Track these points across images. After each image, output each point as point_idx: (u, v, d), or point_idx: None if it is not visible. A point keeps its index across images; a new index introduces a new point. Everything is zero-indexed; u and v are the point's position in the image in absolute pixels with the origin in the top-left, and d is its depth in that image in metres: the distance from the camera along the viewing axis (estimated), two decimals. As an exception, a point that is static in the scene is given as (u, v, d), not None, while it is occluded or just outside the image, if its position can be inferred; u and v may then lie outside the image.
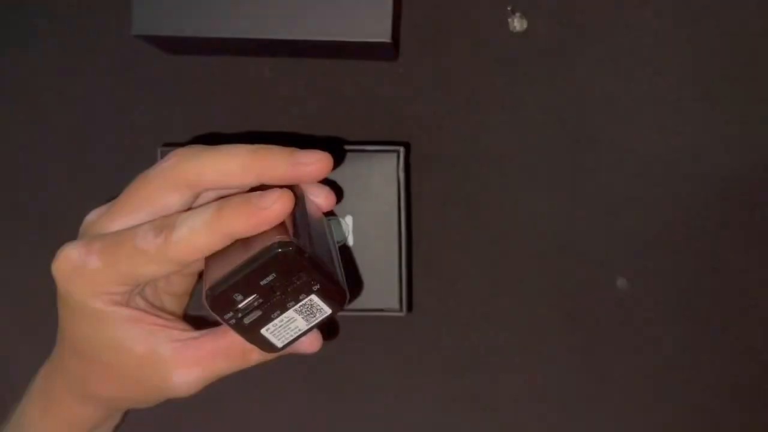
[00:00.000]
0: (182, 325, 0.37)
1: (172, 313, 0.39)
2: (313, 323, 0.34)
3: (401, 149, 0.43)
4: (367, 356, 0.47)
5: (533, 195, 0.47)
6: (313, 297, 0.34)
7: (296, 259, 0.32)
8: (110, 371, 0.36)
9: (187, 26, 0.42)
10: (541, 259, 0.47)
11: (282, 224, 0.33)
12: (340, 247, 0.43)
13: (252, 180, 0.35)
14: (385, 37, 0.41)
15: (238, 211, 0.33)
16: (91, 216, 0.36)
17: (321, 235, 0.36)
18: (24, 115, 0.48)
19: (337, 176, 0.43)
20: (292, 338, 0.35)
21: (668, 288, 0.47)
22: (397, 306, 0.43)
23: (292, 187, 0.35)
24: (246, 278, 0.32)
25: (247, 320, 0.33)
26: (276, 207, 0.32)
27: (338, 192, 0.43)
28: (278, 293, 0.33)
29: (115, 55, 0.47)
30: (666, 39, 0.46)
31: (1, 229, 0.48)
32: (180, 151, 0.35)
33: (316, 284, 0.33)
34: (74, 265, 0.34)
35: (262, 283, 0.32)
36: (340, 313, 0.43)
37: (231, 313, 0.33)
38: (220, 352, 0.36)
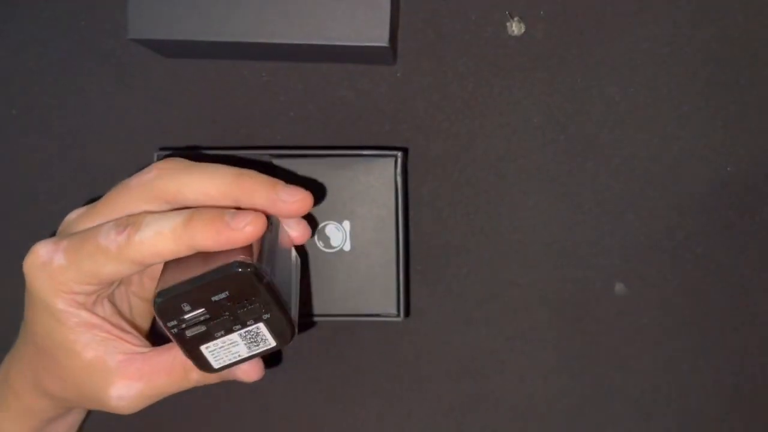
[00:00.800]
0: (139, 340, 0.37)
1: (138, 319, 0.39)
2: (255, 352, 0.34)
3: (399, 154, 0.43)
4: (365, 361, 0.47)
5: (531, 199, 0.47)
6: (261, 326, 0.33)
7: (252, 283, 0.32)
8: (59, 370, 0.36)
9: (183, 30, 0.41)
10: (539, 264, 0.47)
11: (248, 246, 0.33)
12: (336, 252, 0.43)
13: (230, 204, 0.35)
14: (382, 41, 0.41)
15: (207, 226, 0.32)
16: (71, 215, 0.37)
17: (285, 268, 0.36)
18: (19, 119, 0.48)
19: (335, 181, 0.42)
20: (229, 362, 0.34)
21: (666, 293, 0.47)
22: (394, 311, 0.43)
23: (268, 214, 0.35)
24: (198, 290, 0.32)
25: (189, 333, 0.33)
26: (247, 230, 0.32)
27: (327, 195, 0.43)
28: (227, 313, 0.32)
29: (111, 59, 0.47)
30: (664, 43, 0.46)
31: (-5, 234, 0.48)
32: (161, 164, 0.35)
33: (267, 313, 0.33)
34: (42, 261, 0.34)
35: (213, 299, 0.32)
36: (339, 319, 0.43)
37: (175, 322, 0.32)
38: (163, 368, 0.36)
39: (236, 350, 0.34)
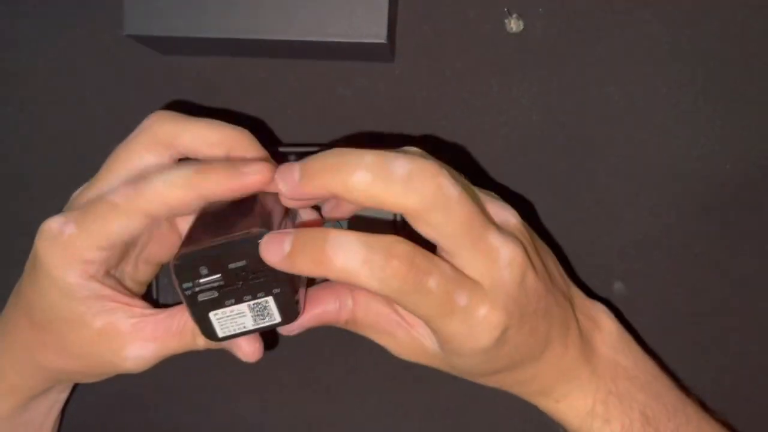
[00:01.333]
0: (143, 304, 0.38)
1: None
2: (260, 326, 0.35)
3: (397, 151, 0.42)
4: (360, 362, 0.47)
5: (530, 197, 0.46)
6: (270, 300, 0.34)
7: None
8: (63, 343, 0.37)
9: (179, 26, 0.41)
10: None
11: (270, 221, 0.34)
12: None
13: (222, 154, 0.36)
14: (380, 38, 0.41)
15: (219, 172, 0.33)
16: (76, 193, 0.38)
17: None
18: (16, 116, 0.48)
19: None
20: (233, 333, 0.35)
21: (666, 292, 0.46)
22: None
23: (287, 209, 0.36)
24: (219, 255, 0.32)
25: (201, 297, 0.33)
26: (257, 177, 0.33)
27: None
28: (240, 282, 0.33)
29: (108, 55, 0.47)
30: (663, 41, 0.46)
31: (-9, 231, 0.48)
32: (159, 112, 0.37)
33: (278, 288, 0.33)
34: (53, 234, 0.35)
35: (230, 266, 0.33)
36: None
37: (190, 284, 0.33)
38: (175, 331, 0.37)
39: (242, 321, 0.34)
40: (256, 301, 0.34)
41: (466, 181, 0.36)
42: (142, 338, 0.36)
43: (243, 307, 0.34)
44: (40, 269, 0.36)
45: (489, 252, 0.33)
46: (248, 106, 0.47)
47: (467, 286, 0.32)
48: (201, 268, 0.33)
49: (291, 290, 0.34)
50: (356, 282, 0.30)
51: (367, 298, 0.36)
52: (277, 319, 0.35)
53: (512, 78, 0.46)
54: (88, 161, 0.48)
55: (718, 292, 0.46)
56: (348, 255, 0.30)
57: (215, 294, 0.33)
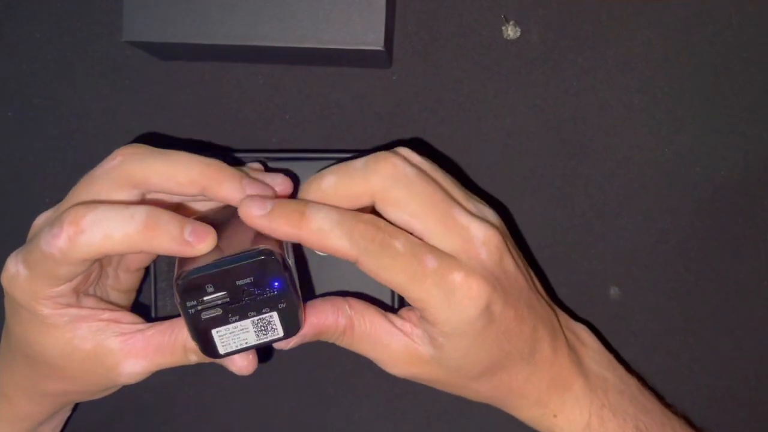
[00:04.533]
0: (130, 317, 0.37)
1: (120, 307, 0.39)
2: (262, 341, 0.35)
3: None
4: (359, 364, 0.47)
5: (526, 203, 0.47)
6: (274, 315, 0.34)
7: (279, 270, 0.33)
8: (59, 370, 0.37)
9: (178, 33, 0.42)
10: (533, 268, 0.47)
11: (271, 237, 0.34)
12: (333, 255, 0.43)
13: (196, 192, 0.35)
14: (377, 44, 0.41)
15: (163, 234, 0.33)
16: (38, 220, 0.37)
17: (295, 266, 0.37)
18: (15, 121, 0.48)
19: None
20: (235, 349, 0.35)
21: (660, 297, 0.47)
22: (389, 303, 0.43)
23: None
24: (226, 272, 0.32)
25: (205, 315, 0.33)
26: (201, 247, 0.33)
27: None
28: (247, 299, 0.33)
29: (106, 61, 0.47)
30: (659, 48, 0.46)
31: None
32: (126, 150, 0.36)
33: (283, 303, 0.33)
34: (11, 275, 0.35)
35: (238, 282, 0.32)
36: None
37: (195, 302, 0.33)
38: (166, 348, 0.36)
39: (245, 337, 0.34)
40: (260, 316, 0.34)
41: (447, 176, 0.37)
42: (133, 355, 0.36)
43: (247, 323, 0.34)
44: (16, 305, 0.35)
45: (459, 230, 0.34)
46: (246, 111, 0.47)
47: (435, 252, 0.33)
48: (208, 285, 0.32)
49: (296, 304, 0.34)
50: (328, 241, 0.33)
51: (363, 307, 0.37)
52: (280, 333, 0.34)
53: (509, 84, 0.47)
54: (87, 167, 0.48)
55: (713, 296, 0.47)
56: (323, 218, 0.33)
57: (219, 311, 0.33)
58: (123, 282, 0.40)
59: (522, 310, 0.35)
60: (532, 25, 0.46)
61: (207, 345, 0.34)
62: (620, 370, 0.41)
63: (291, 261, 0.34)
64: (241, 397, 0.48)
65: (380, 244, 0.33)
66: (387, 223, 0.34)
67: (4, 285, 0.35)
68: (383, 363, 0.37)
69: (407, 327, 0.36)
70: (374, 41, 0.41)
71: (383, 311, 0.37)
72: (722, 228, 0.46)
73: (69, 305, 0.35)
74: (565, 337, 0.39)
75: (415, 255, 0.33)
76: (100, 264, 0.38)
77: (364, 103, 0.47)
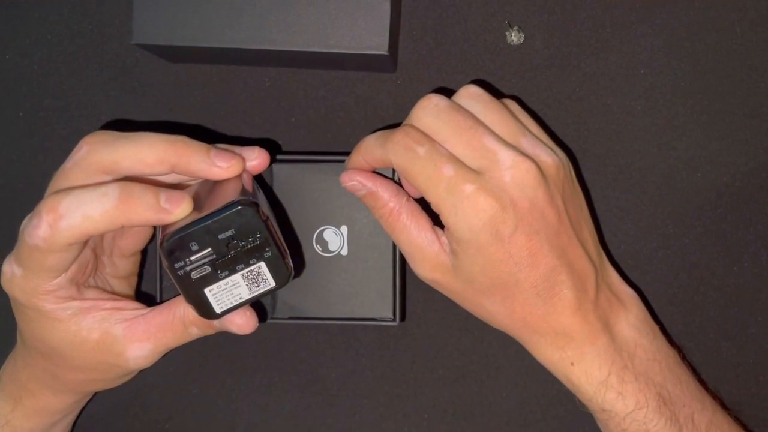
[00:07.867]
0: (133, 304, 0.38)
1: (122, 295, 0.40)
2: (255, 293, 0.35)
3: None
4: (360, 365, 0.48)
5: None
6: (262, 265, 0.35)
7: (256, 218, 0.34)
8: (72, 361, 0.37)
9: (187, 36, 0.42)
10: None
11: (244, 188, 0.35)
12: (333, 257, 0.43)
13: (167, 171, 0.35)
14: (382, 49, 0.42)
15: (139, 204, 0.33)
16: (24, 222, 0.37)
17: (273, 217, 0.38)
18: (26, 121, 0.48)
19: (333, 186, 0.43)
20: (231, 305, 0.35)
21: (662, 302, 0.47)
22: (390, 315, 0.43)
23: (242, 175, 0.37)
24: (206, 228, 0.33)
25: (194, 275, 0.34)
26: (178, 212, 0.34)
27: (325, 200, 0.43)
28: (232, 252, 0.34)
29: (116, 63, 0.48)
30: (662, 54, 0.46)
31: None
32: (90, 138, 0.36)
33: (268, 251, 0.34)
34: (8, 276, 0.36)
35: (219, 236, 0.33)
36: (336, 322, 0.44)
37: (182, 263, 0.33)
38: (167, 326, 0.37)
39: (238, 292, 0.35)
40: (249, 269, 0.34)
41: (504, 111, 0.39)
42: (137, 339, 0.37)
43: (237, 277, 0.35)
44: (20, 306, 0.36)
45: (485, 152, 0.36)
46: (253, 113, 0.48)
47: (456, 164, 0.35)
48: (191, 244, 0.33)
49: (279, 251, 0.35)
50: (366, 144, 0.38)
51: (416, 209, 0.38)
52: (272, 284, 0.35)
53: (512, 89, 0.47)
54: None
55: (714, 302, 0.47)
56: (369, 137, 0.38)
57: (208, 269, 0.34)
58: (120, 268, 0.40)
59: (539, 243, 0.36)
60: (536, 31, 0.47)
61: (202, 306, 0.35)
62: (661, 340, 0.40)
63: (267, 210, 0.35)
64: (242, 396, 0.48)
65: (405, 147, 0.36)
66: (418, 132, 0.37)
67: (5, 288, 0.36)
68: (413, 261, 0.39)
69: (443, 238, 0.38)
70: (379, 46, 0.42)
71: (430, 220, 0.39)
72: (724, 234, 0.47)
73: (71, 298, 0.36)
74: (599, 296, 0.38)
75: (434, 161, 0.36)
76: (94, 253, 0.38)
77: (369, 107, 0.47)
